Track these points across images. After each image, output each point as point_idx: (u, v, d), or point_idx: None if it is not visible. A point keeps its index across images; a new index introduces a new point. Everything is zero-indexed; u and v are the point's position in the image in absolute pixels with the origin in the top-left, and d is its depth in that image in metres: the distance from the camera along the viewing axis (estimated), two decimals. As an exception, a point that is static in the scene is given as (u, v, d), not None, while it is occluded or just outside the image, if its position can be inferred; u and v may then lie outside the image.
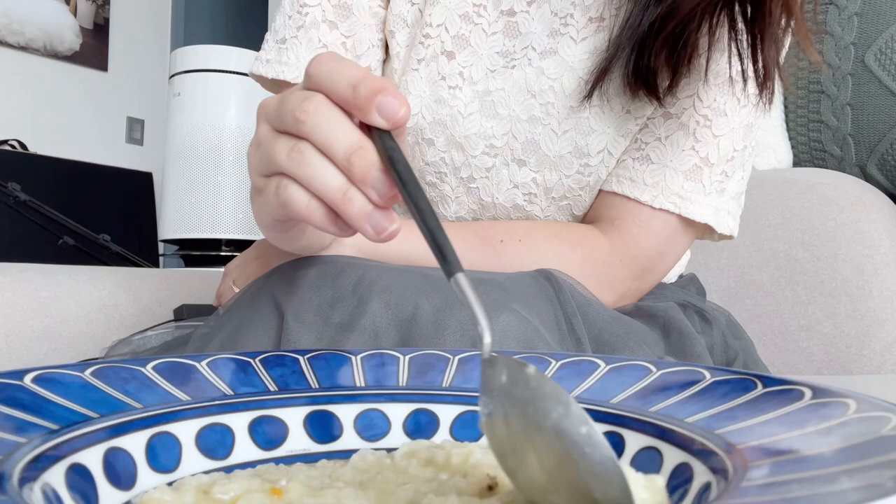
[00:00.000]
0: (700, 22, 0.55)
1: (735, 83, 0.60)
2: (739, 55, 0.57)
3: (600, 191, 0.64)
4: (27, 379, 0.28)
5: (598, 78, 0.58)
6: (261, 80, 0.67)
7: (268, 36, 0.67)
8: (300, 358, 0.35)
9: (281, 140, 0.35)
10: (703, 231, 0.63)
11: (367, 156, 0.31)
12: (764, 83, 0.57)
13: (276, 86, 0.66)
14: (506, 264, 0.58)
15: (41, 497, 0.21)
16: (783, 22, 0.55)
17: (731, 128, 0.61)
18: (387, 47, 0.68)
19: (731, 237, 0.63)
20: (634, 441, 0.29)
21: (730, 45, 0.57)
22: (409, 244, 0.54)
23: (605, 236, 0.61)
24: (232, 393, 0.31)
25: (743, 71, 0.57)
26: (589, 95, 0.60)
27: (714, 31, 0.56)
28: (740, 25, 0.55)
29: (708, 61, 0.58)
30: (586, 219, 0.66)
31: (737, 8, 0.55)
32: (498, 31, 0.63)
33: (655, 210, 0.60)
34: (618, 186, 0.62)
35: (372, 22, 0.65)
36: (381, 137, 0.32)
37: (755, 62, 0.56)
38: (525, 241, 0.60)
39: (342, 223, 0.34)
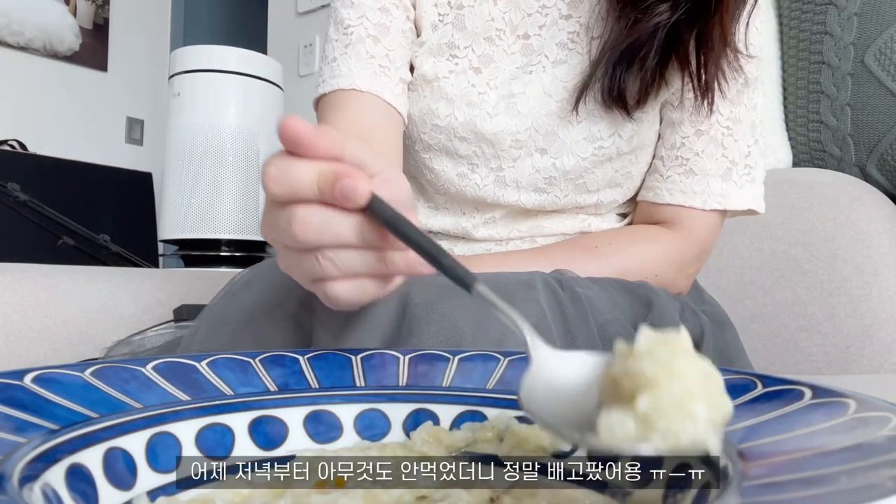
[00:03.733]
0: (652, 47, 0.66)
1: (741, 93, 0.72)
2: (690, 75, 0.68)
3: (654, 203, 0.75)
4: (27, 379, 0.28)
5: (580, 93, 0.69)
6: (320, 105, 0.74)
7: (321, 66, 0.75)
8: (300, 358, 0.35)
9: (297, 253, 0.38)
10: (742, 212, 0.75)
11: (348, 253, 0.36)
12: (704, 95, 0.69)
13: (332, 100, 0.73)
14: (604, 264, 0.68)
15: (41, 497, 0.21)
16: (720, 47, 0.67)
17: (743, 130, 0.73)
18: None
19: (762, 213, 0.76)
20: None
21: (682, 67, 0.68)
22: None
23: (670, 232, 0.74)
24: (232, 393, 0.31)
25: (693, 87, 0.69)
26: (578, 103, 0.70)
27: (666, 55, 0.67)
28: (691, 50, 0.67)
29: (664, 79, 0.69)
30: (637, 223, 0.77)
31: (687, 36, 0.66)
32: (516, 52, 0.73)
33: (706, 211, 0.73)
34: (671, 198, 0.73)
35: (404, 42, 0.75)
36: (373, 199, 0.34)
37: (699, 80, 0.68)
38: (614, 244, 0.71)
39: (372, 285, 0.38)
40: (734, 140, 0.72)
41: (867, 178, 1.12)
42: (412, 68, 0.75)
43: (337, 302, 0.37)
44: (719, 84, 0.69)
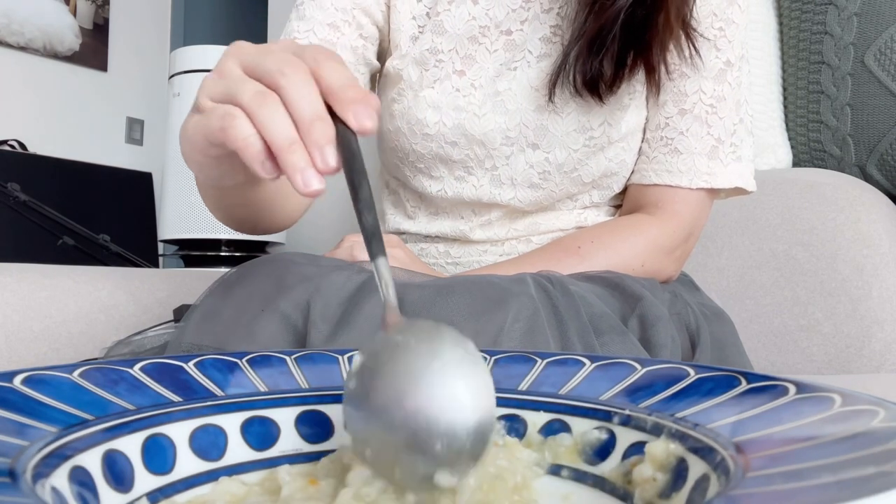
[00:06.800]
0: (614, 32, 0.67)
1: (724, 72, 0.72)
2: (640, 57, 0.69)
3: (640, 185, 0.74)
4: (17, 381, 0.27)
5: (553, 83, 0.69)
6: None
7: None
8: (287, 358, 0.35)
9: (250, 82, 0.37)
10: (732, 192, 0.75)
11: (327, 128, 0.34)
12: (650, 76, 0.70)
13: None
14: (589, 263, 0.68)
15: (51, 496, 0.21)
16: (665, 30, 0.68)
17: (729, 108, 0.72)
18: (375, 76, 0.79)
19: (753, 192, 0.75)
20: (625, 437, 0.29)
21: (637, 51, 0.68)
22: None
23: (653, 218, 0.73)
24: (221, 394, 0.31)
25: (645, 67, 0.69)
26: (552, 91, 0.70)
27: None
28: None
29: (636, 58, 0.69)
30: (626, 208, 0.77)
31: (640, 20, 0.67)
32: (499, 49, 0.73)
33: (693, 190, 0.72)
34: (658, 178, 0.73)
35: (353, 59, 0.74)
36: (344, 129, 0.34)
37: (647, 61, 0.69)
38: (596, 241, 0.70)
39: (269, 166, 0.35)
40: (719, 118, 0.72)
41: (867, 178, 1.12)
42: (400, 77, 0.75)
43: (229, 130, 0.36)
44: (665, 64, 0.70)
